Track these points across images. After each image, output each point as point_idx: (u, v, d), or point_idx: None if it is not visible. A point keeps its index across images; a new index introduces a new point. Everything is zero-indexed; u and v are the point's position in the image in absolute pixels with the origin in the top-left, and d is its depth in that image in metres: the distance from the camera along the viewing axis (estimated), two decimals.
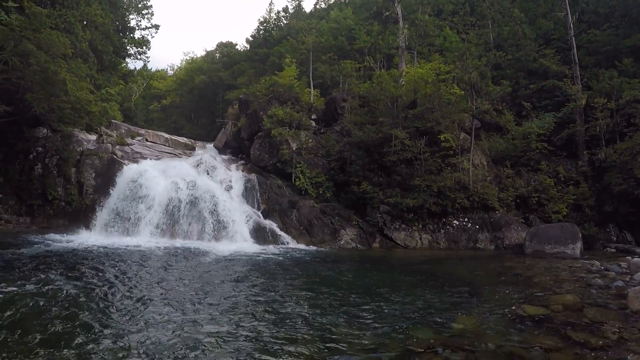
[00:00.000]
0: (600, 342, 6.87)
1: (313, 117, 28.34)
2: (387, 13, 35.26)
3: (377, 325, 7.90)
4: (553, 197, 22.32)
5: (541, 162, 23.84)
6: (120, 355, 6.21)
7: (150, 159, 24.57)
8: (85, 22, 30.67)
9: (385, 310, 8.91)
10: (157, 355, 6.21)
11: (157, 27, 46.97)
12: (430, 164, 22.05)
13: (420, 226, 21.25)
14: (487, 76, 26.21)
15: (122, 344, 6.60)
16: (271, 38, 50.45)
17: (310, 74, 33.43)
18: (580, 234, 18.13)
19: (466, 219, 21.51)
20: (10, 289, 9.24)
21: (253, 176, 23.80)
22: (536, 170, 23.69)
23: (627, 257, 15.22)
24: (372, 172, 22.63)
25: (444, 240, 20.99)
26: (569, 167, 24.26)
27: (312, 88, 32.06)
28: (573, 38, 27.16)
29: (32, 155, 22.69)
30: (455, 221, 21.47)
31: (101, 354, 6.22)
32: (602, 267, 13.69)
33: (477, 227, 21.28)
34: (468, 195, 21.26)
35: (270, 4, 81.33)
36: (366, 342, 6.98)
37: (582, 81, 26.40)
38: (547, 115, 25.30)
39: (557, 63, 28.18)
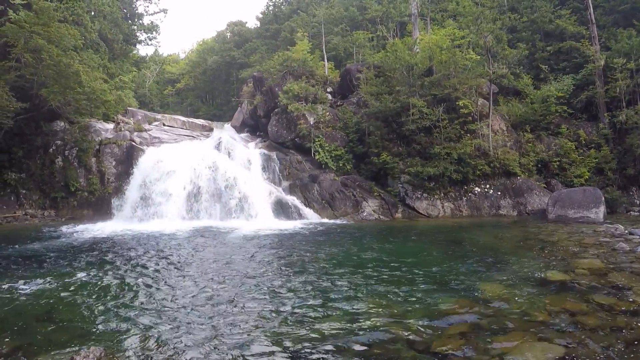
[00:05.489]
0: (627, 306, 6.90)
1: (328, 90, 28.23)
2: None
3: (402, 293, 8.02)
4: (575, 161, 22.11)
5: (561, 126, 23.56)
6: (163, 336, 6.38)
7: (169, 143, 24.82)
8: (93, 13, 30.70)
9: (411, 279, 9.03)
10: (198, 332, 6.38)
11: (165, 10, 46.82)
12: (449, 131, 21.95)
13: (442, 194, 21.27)
14: (502, 40, 25.71)
15: (161, 326, 6.79)
16: (281, 13, 50.07)
17: (323, 47, 33.17)
18: (603, 198, 17.95)
19: (488, 186, 21.44)
20: (48, 281, 9.53)
21: (272, 153, 23.98)
22: (556, 134, 23.42)
23: None
24: (391, 142, 22.61)
25: (466, 207, 20.99)
26: (590, 130, 23.91)
27: (325, 61, 31.86)
28: None
29: (51, 149, 23.21)
30: (476, 188, 21.41)
31: (138, 335, 6.41)
32: (626, 231, 13.59)
33: (499, 193, 21.20)
34: (489, 162, 21.17)
35: None
36: (393, 309, 7.09)
37: (600, 41, 25.81)
38: (566, 77, 24.87)
39: (573, 24, 27.62)
